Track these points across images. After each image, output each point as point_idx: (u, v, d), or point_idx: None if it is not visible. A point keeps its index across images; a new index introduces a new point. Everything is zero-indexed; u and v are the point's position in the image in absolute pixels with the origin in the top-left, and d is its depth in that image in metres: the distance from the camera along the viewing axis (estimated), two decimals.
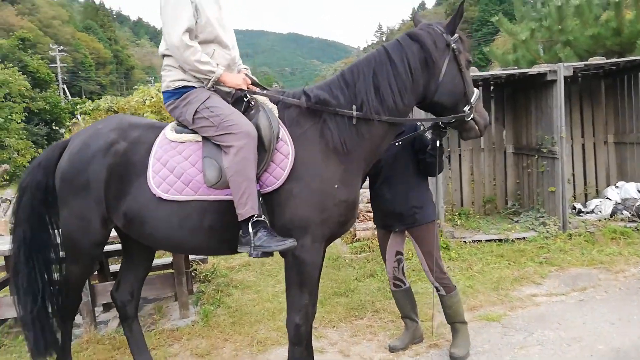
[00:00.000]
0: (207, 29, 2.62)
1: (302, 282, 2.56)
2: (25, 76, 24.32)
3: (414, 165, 3.17)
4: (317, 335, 3.77)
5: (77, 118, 6.30)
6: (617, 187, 6.44)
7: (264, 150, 2.47)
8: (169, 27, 2.53)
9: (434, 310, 3.51)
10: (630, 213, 5.91)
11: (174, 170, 2.56)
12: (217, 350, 3.64)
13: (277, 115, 2.60)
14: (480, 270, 4.94)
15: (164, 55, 2.70)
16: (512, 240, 5.66)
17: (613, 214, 6.04)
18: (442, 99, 2.62)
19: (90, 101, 6.79)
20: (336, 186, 2.51)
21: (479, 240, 5.74)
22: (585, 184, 7.03)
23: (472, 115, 2.67)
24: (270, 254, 2.41)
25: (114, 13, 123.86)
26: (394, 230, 3.32)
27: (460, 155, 6.89)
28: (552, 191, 5.92)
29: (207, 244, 2.67)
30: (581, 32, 7.83)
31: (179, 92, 2.65)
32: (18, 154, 20.35)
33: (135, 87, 7.64)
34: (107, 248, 4.68)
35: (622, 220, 5.91)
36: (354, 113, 2.51)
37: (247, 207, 2.37)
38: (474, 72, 6.56)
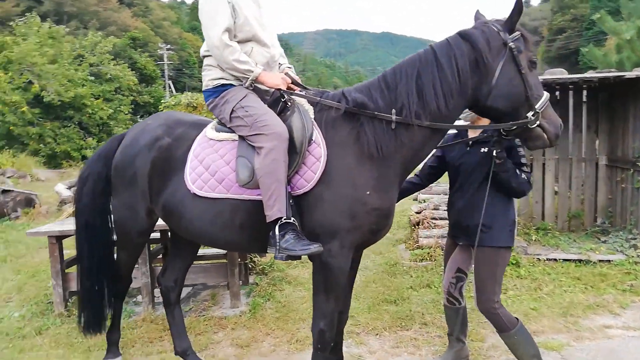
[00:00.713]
0: (245, 27, 2.63)
1: (328, 288, 2.51)
2: (134, 72, 26.62)
3: (495, 179, 2.75)
4: (357, 342, 3.68)
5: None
6: None
7: (296, 152, 2.44)
8: (208, 28, 2.57)
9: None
10: None
11: (209, 167, 2.60)
12: (257, 343, 3.68)
13: (312, 117, 2.55)
14: (550, 292, 4.50)
15: (204, 57, 2.76)
16: (595, 263, 5.09)
17: None
18: (497, 103, 2.40)
19: (173, 97, 7.23)
20: (368, 193, 2.42)
21: (555, 259, 5.23)
22: None
23: (537, 122, 2.40)
24: (297, 257, 2.35)
25: None
26: (459, 242, 3.06)
27: (544, 164, 6.32)
28: None
29: (240, 241, 2.69)
30: None
31: (218, 91, 2.69)
32: None
33: None
34: None
35: None
36: (393, 117, 2.39)
37: (275, 209, 2.35)
38: (561, 74, 5.99)
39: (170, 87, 45.28)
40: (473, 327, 3.79)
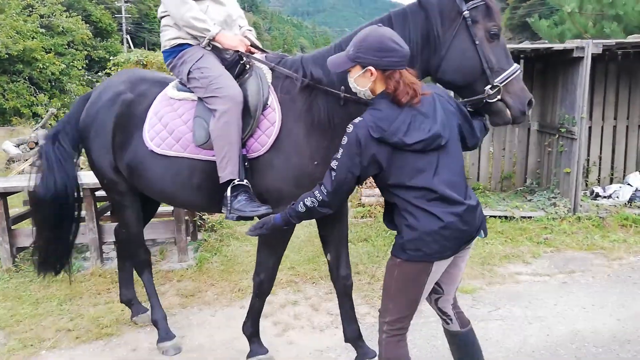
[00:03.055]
0: None
1: (272, 246, 2.66)
2: (88, 25, 25.41)
3: None
4: (295, 290, 4.03)
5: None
6: None
7: (250, 116, 2.48)
8: None
9: None
10: None
11: (167, 126, 2.65)
12: (201, 293, 3.97)
13: (270, 81, 2.55)
14: (473, 244, 4.95)
15: (162, 17, 2.78)
16: (517, 219, 5.59)
17: (631, 200, 5.80)
18: (448, 76, 2.27)
19: (121, 53, 7.14)
20: (316, 163, 2.44)
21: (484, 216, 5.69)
22: (612, 168, 6.72)
23: (497, 97, 2.20)
24: (248, 218, 2.45)
25: None
26: None
27: None
28: (567, 172, 5.74)
29: (198, 201, 2.78)
30: (632, 6, 7.26)
31: (176, 51, 2.71)
32: None
33: None
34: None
35: (638, 207, 5.67)
36: (342, 94, 2.33)
37: (227, 171, 2.44)
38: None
39: (128, 42, 43.46)
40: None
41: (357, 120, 1.96)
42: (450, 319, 2.28)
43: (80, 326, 3.42)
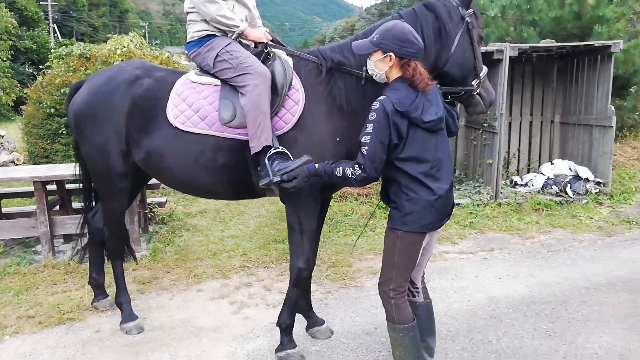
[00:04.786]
0: None
1: (303, 228, 2.74)
2: (13, 13, 23.90)
3: None
4: (248, 273, 4.32)
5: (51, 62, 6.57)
6: (552, 163, 6.94)
7: (277, 94, 2.68)
8: None
9: None
10: (558, 188, 6.44)
11: (192, 105, 2.80)
12: (157, 280, 4.17)
13: (292, 66, 2.79)
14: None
15: (188, 12, 2.94)
16: None
17: (544, 187, 6.57)
18: (453, 70, 2.66)
19: (64, 46, 7.03)
20: (338, 139, 2.68)
21: None
22: (529, 159, 7.53)
23: (478, 90, 2.70)
24: (291, 178, 2.49)
25: None
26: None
27: None
28: (490, 163, 6.41)
29: (217, 182, 2.88)
30: (546, 12, 8.11)
31: (202, 41, 2.90)
32: (3, 92, 20.35)
33: (129, 32, 7.87)
34: (69, 186, 5.14)
35: (549, 194, 6.45)
36: (364, 74, 2.63)
37: (262, 138, 2.60)
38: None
39: (55, 32, 41.13)
40: (344, 256, 4.62)
41: (381, 97, 2.31)
42: (418, 291, 2.69)
43: (40, 313, 3.53)
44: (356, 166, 2.32)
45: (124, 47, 6.73)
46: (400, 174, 2.36)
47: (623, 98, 7.75)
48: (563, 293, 3.87)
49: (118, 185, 3.11)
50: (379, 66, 2.38)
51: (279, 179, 2.51)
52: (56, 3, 44.72)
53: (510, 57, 6.09)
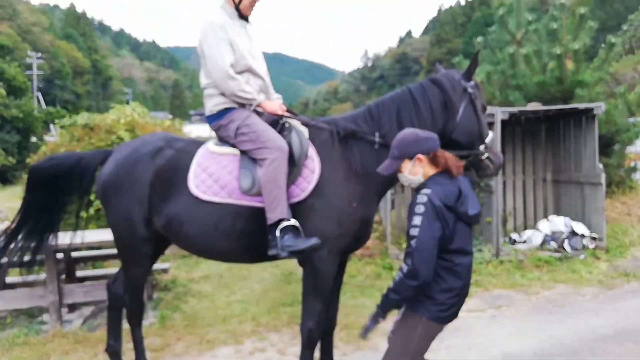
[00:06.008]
0: (241, 62, 3.03)
1: (317, 291, 2.84)
2: (2, 83, 24.26)
3: None
4: (260, 338, 4.26)
5: (52, 130, 6.65)
6: (548, 220, 7.15)
7: (294, 164, 2.82)
8: (213, 63, 2.94)
9: None
10: (557, 244, 6.60)
11: (212, 175, 2.92)
12: (170, 347, 4.08)
13: (307, 136, 2.95)
14: None
15: (205, 88, 3.10)
16: None
17: (542, 244, 6.73)
18: (460, 137, 2.86)
19: (68, 115, 7.15)
20: (354, 204, 2.81)
21: None
22: (524, 216, 7.74)
23: (486, 154, 2.89)
24: (299, 253, 2.65)
25: (95, 22, 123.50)
26: None
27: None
28: (489, 222, 6.58)
29: (234, 249, 2.98)
30: (530, 78, 8.64)
31: (222, 114, 3.05)
32: None
33: (112, 104, 8.05)
34: (75, 254, 5.09)
35: (548, 250, 6.59)
36: (377, 139, 2.84)
37: (277, 211, 2.70)
38: None
39: (38, 100, 41.59)
40: (355, 318, 4.60)
41: (426, 190, 2.31)
42: None
43: None
44: (402, 264, 2.31)
45: (127, 115, 6.89)
46: (444, 262, 2.33)
47: (608, 156, 8.13)
48: (572, 345, 3.96)
49: (142, 250, 3.18)
50: (414, 172, 2.42)
51: (286, 255, 2.62)
52: (42, 72, 45.59)
53: (501, 120, 6.44)
